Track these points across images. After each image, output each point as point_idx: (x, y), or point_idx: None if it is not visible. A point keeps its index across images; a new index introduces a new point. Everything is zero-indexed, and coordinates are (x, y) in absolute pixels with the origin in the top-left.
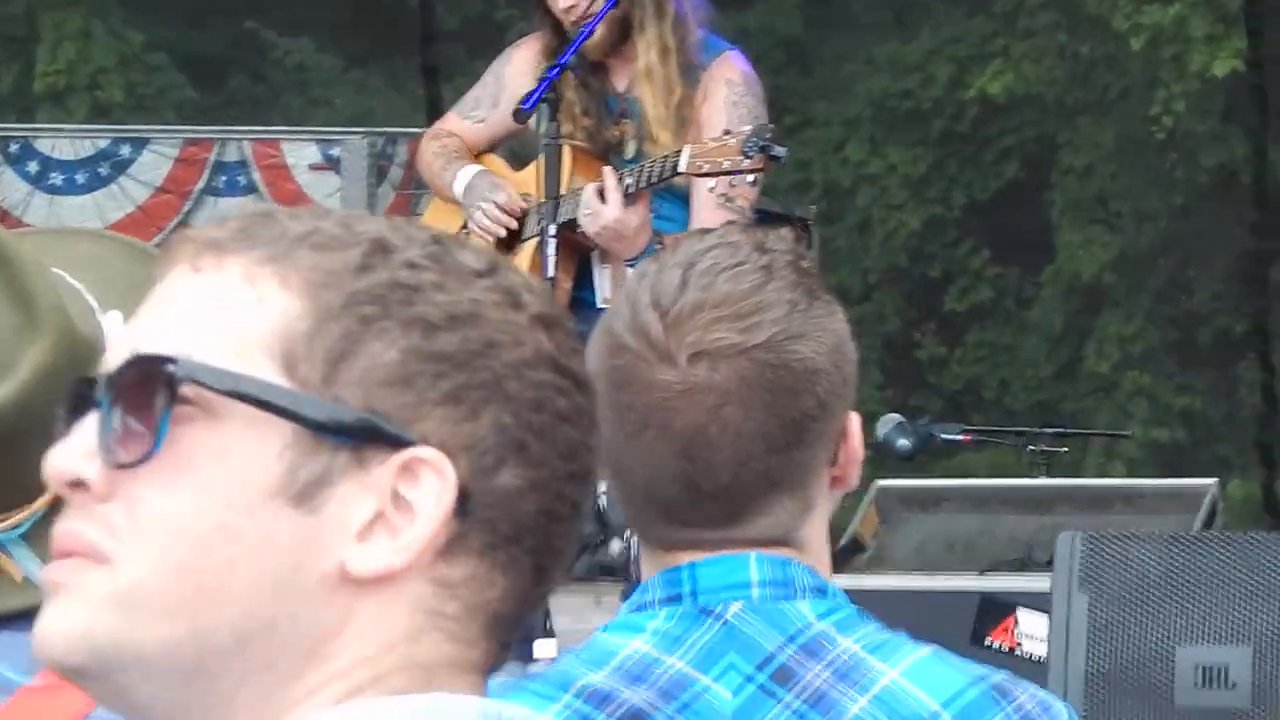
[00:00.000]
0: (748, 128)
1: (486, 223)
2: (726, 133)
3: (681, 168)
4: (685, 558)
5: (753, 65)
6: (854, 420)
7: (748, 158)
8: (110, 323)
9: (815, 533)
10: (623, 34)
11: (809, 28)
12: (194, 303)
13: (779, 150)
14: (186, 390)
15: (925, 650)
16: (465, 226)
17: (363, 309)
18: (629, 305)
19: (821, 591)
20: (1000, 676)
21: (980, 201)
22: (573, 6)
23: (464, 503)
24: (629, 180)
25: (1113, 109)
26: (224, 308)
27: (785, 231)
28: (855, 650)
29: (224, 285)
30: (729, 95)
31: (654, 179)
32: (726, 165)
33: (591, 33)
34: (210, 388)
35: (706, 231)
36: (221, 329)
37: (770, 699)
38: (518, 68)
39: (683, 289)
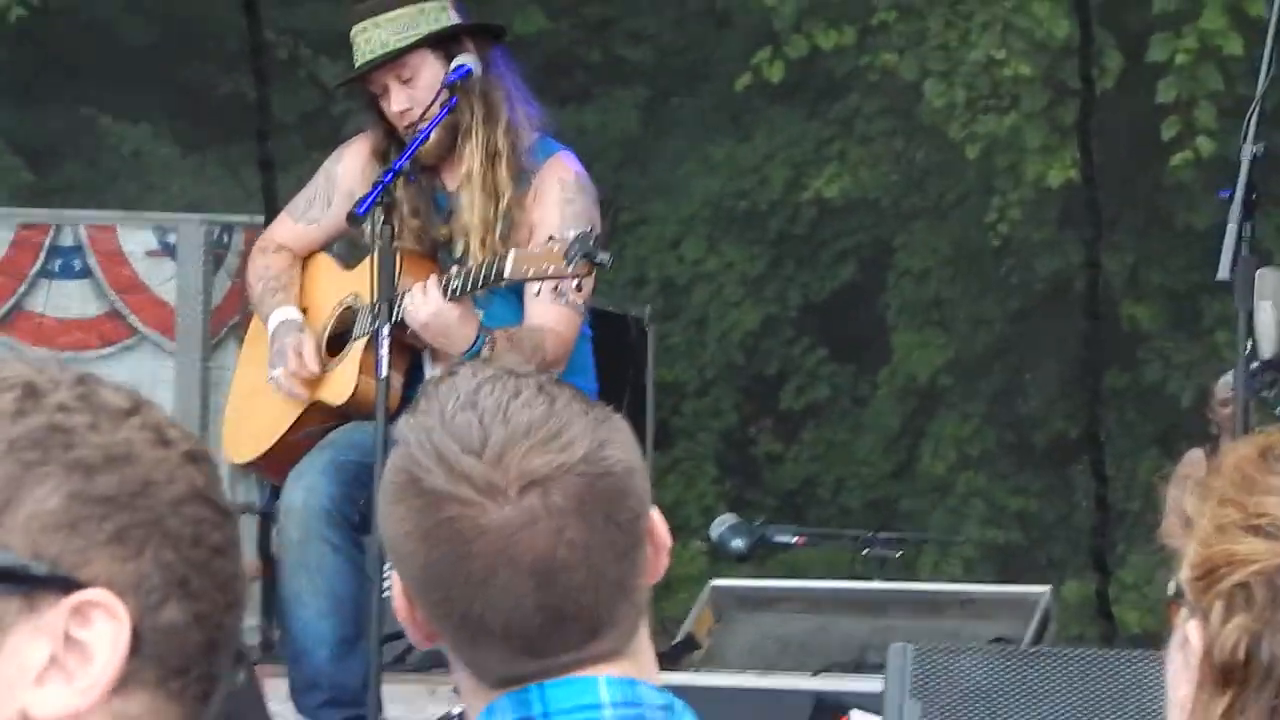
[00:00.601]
0: (572, 233)
1: (283, 389)
2: (551, 238)
3: (506, 273)
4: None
5: (589, 163)
6: (654, 512)
7: (570, 264)
8: None
9: (644, 636)
10: (454, 138)
11: (646, 127)
12: None
13: (602, 257)
14: None
15: None
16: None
17: (23, 455)
18: (436, 460)
19: (669, 709)
20: None
21: (816, 301)
22: (406, 111)
23: (136, 640)
24: (455, 283)
25: (949, 214)
26: None
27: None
28: None
29: None
30: (561, 194)
31: (479, 282)
32: (551, 270)
33: (426, 139)
34: None
35: (449, 374)
36: None
37: None
38: (350, 166)
39: (485, 429)
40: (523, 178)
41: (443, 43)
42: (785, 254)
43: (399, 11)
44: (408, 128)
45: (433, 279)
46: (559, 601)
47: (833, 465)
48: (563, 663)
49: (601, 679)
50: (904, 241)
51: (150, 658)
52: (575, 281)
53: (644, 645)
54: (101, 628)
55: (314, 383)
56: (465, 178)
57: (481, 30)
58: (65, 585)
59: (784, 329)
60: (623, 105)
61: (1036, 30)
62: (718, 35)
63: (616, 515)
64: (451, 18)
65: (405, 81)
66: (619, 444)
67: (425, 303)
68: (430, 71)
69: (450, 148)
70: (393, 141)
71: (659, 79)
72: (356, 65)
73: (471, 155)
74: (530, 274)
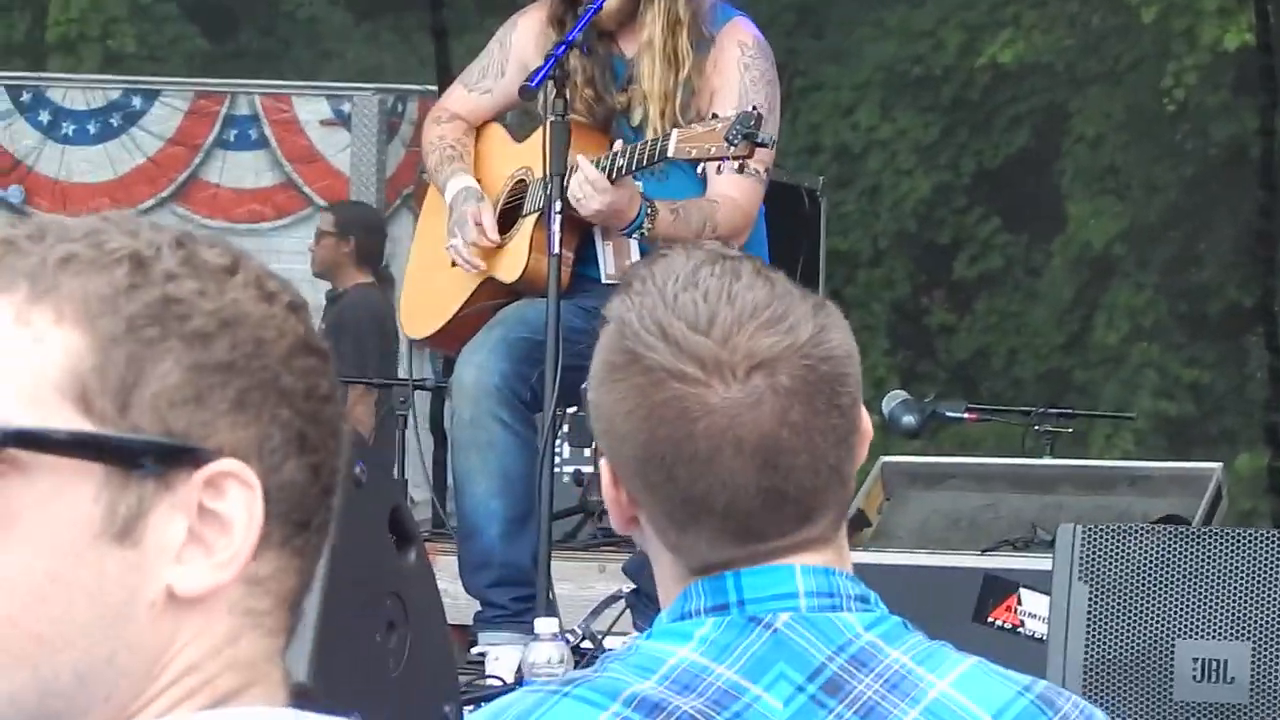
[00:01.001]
0: (733, 113)
1: (459, 260)
2: (715, 116)
3: (669, 153)
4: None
5: (762, 28)
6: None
7: (732, 145)
8: None
9: (843, 525)
10: (635, 4)
11: None
12: None
13: (763, 136)
14: None
15: (971, 661)
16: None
17: (143, 332)
18: (660, 336)
19: (865, 600)
20: (1043, 686)
21: (990, 169)
22: None
23: (265, 503)
24: (621, 161)
25: (1123, 80)
26: (4, 359)
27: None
28: (904, 661)
29: None
30: (741, 58)
31: (642, 163)
32: (713, 151)
33: (599, 8)
34: (12, 444)
35: (660, 255)
36: (7, 380)
37: (821, 709)
38: (524, 35)
39: (712, 308)
40: (701, 44)
41: None
42: (959, 121)
43: None
44: None
45: (587, 166)
46: (780, 483)
47: (1005, 336)
48: (771, 548)
49: (798, 567)
50: (1079, 107)
51: (277, 517)
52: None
53: (844, 534)
54: (235, 497)
55: (487, 258)
56: (646, 45)
57: None
58: (196, 458)
59: (957, 197)
60: None
61: None
62: None
63: (838, 399)
64: None
65: None
66: (838, 328)
67: (594, 194)
68: None
69: (630, 14)
70: (570, 7)
71: None
72: None
73: (653, 22)
74: (693, 154)
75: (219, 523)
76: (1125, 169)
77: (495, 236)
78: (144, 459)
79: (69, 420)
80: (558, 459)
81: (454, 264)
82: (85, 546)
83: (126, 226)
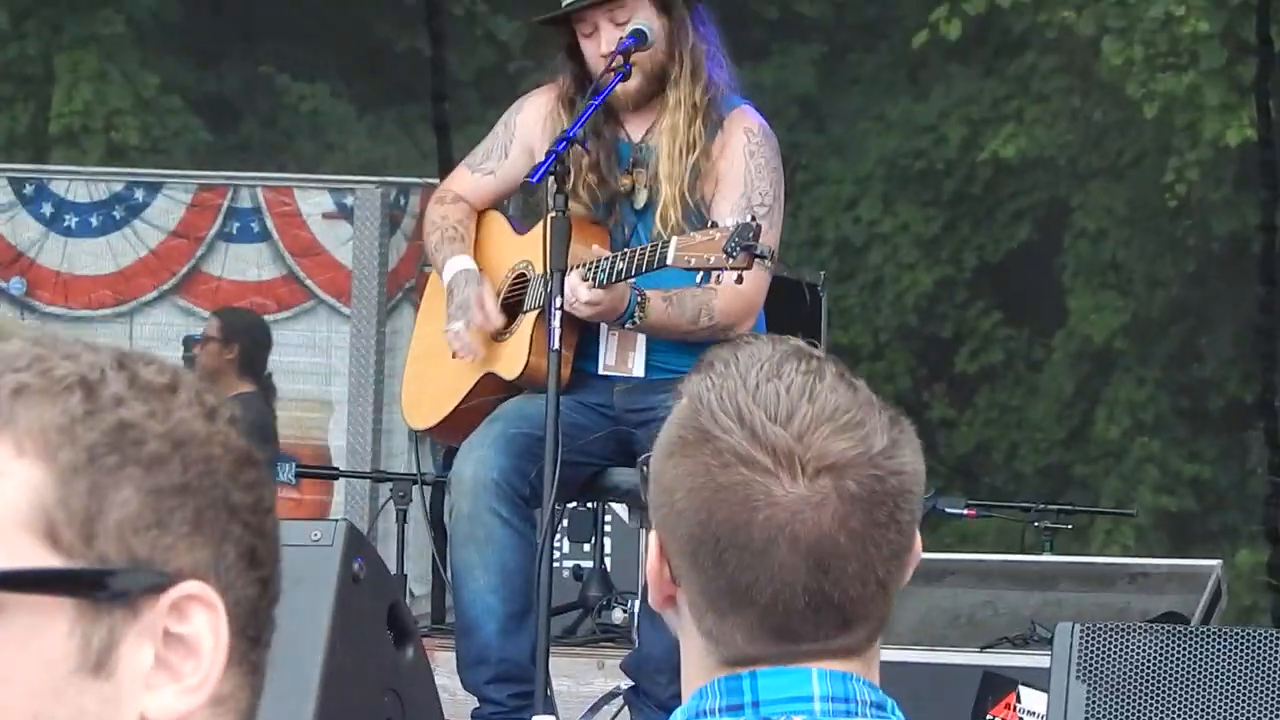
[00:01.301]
0: (732, 223)
1: (456, 345)
2: (714, 225)
3: (669, 261)
4: (745, 669)
5: (766, 116)
6: None
7: (731, 256)
8: None
9: (878, 639)
10: (654, 88)
11: (823, 84)
12: None
13: (763, 249)
14: None
15: None
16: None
17: (103, 460)
18: (738, 421)
19: (881, 708)
20: None
21: (992, 263)
22: (610, 55)
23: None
24: (620, 265)
25: (1125, 174)
26: None
27: (799, 340)
28: None
29: None
30: (746, 145)
31: (640, 269)
32: (712, 261)
33: (601, 104)
34: None
35: (745, 343)
36: None
37: None
38: (529, 117)
39: (792, 403)
40: (710, 128)
41: None
42: (961, 215)
43: None
44: (610, 71)
45: (574, 276)
46: (828, 587)
47: (1006, 430)
48: (805, 650)
49: (815, 671)
50: (1080, 201)
51: (235, 634)
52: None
53: (877, 647)
54: (200, 619)
55: (488, 353)
56: (667, 131)
57: None
58: (161, 584)
59: (959, 291)
60: (799, 62)
61: None
62: None
63: (899, 514)
64: None
65: (619, 24)
66: (910, 446)
67: (581, 306)
68: (645, 16)
69: (649, 98)
70: (581, 89)
71: (836, 35)
72: (565, 2)
73: (676, 109)
74: (692, 263)
75: (184, 646)
76: (1127, 264)
77: (498, 321)
78: (114, 589)
79: (39, 556)
80: (557, 554)
81: (455, 354)
82: (64, 683)
83: (65, 350)
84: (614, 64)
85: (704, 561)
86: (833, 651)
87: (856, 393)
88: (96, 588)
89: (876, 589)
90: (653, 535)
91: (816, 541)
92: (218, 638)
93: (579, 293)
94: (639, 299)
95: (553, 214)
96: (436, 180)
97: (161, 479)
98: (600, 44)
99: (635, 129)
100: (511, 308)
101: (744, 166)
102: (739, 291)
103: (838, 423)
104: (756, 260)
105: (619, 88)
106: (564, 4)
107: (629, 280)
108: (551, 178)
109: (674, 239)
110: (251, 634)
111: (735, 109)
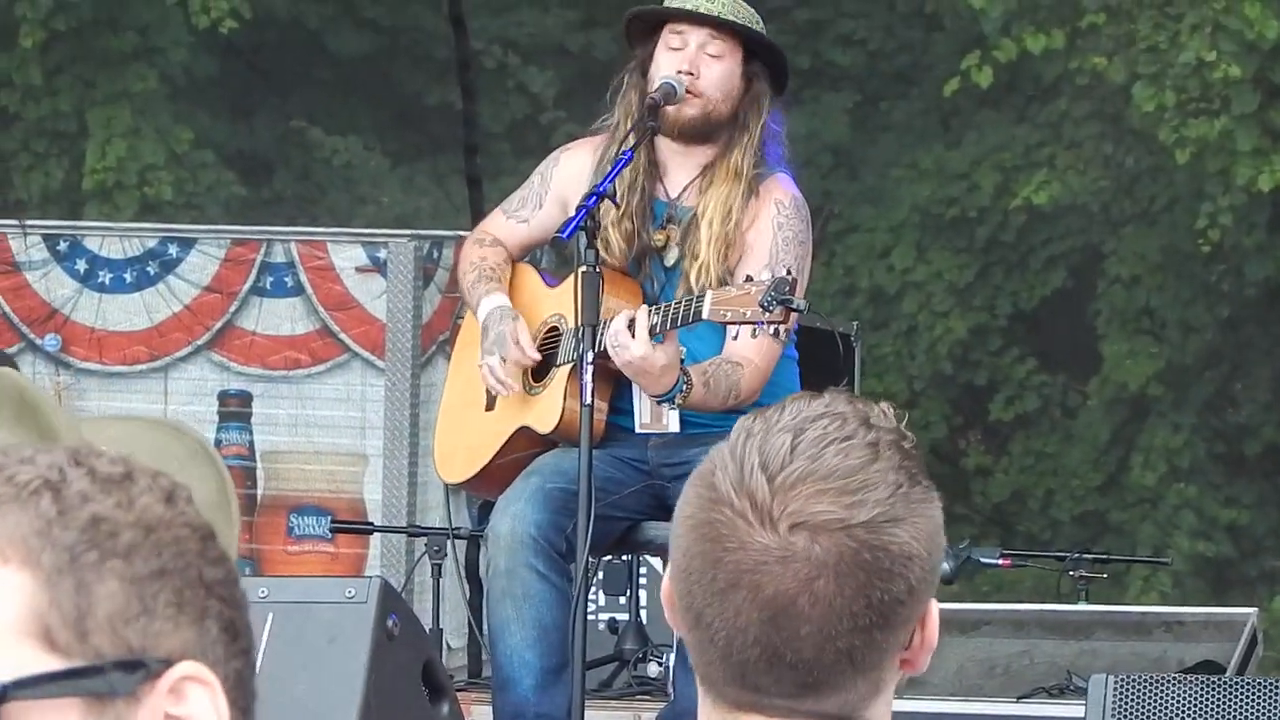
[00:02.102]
0: (767, 278)
1: (491, 381)
2: (749, 279)
3: (704, 315)
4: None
5: (798, 169)
6: (934, 607)
7: (767, 310)
8: None
9: (880, 714)
10: (703, 130)
11: (856, 132)
12: None
13: (798, 304)
14: None
15: None
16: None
17: (84, 559)
18: (735, 462)
19: None
20: None
21: (1025, 310)
22: (688, 76)
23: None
24: (654, 319)
25: (1158, 220)
26: None
27: (888, 407)
28: None
29: None
30: (776, 216)
31: (676, 322)
32: (748, 315)
33: (629, 162)
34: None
35: (815, 396)
36: None
37: None
38: (565, 171)
39: (791, 456)
40: (746, 197)
41: (753, 56)
42: (994, 262)
43: (740, 3)
44: (663, 97)
45: (641, 315)
46: (778, 643)
47: (1042, 477)
48: (778, 705)
49: None
50: (1113, 248)
51: (230, 706)
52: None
53: (880, 715)
54: (198, 697)
55: (522, 407)
56: (719, 201)
57: (781, 72)
58: (157, 669)
59: (993, 338)
60: (831, 110)
61: (1247, 31)
62: (926, 39)
63: (872, 590)
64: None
65: (710, 54)
66: (912, 526)
67: (635, 343)
68: (730, 64)
69: (692, 136)
70: (636, 116)
71: (868, 84)
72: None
73: (727, 178)
74: (728, 317)
75: None
76: (1160, 310)
77: (534, 354)
78: (114, 681)
79: (40, 661)
80: (592, 607)
81: (489, 392)
82: None
83: (19, 455)
84: (646, 123)
85: (681, 589)
86: (807, 714)
87: (873, 463)
88: (98, 683)
89: (838, 659)
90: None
91: (774, 596)
92: (219, 712)
93: (631, 349)
94: (686, 383)
95: (583, 268)
96: (469, 233)
97: (140, 567)
98: (682, 59)
99: (672, 185)
100: (544, 361)
101: (771, 239)
102: (758, 368)
103: (828, 485)
104: (792, 313)
105: (670, 110)
106: (684, 6)
107: (682, 352)
108: (582, 233)
109: (709, 293)
110: (243, 704)
111: (770, 177)
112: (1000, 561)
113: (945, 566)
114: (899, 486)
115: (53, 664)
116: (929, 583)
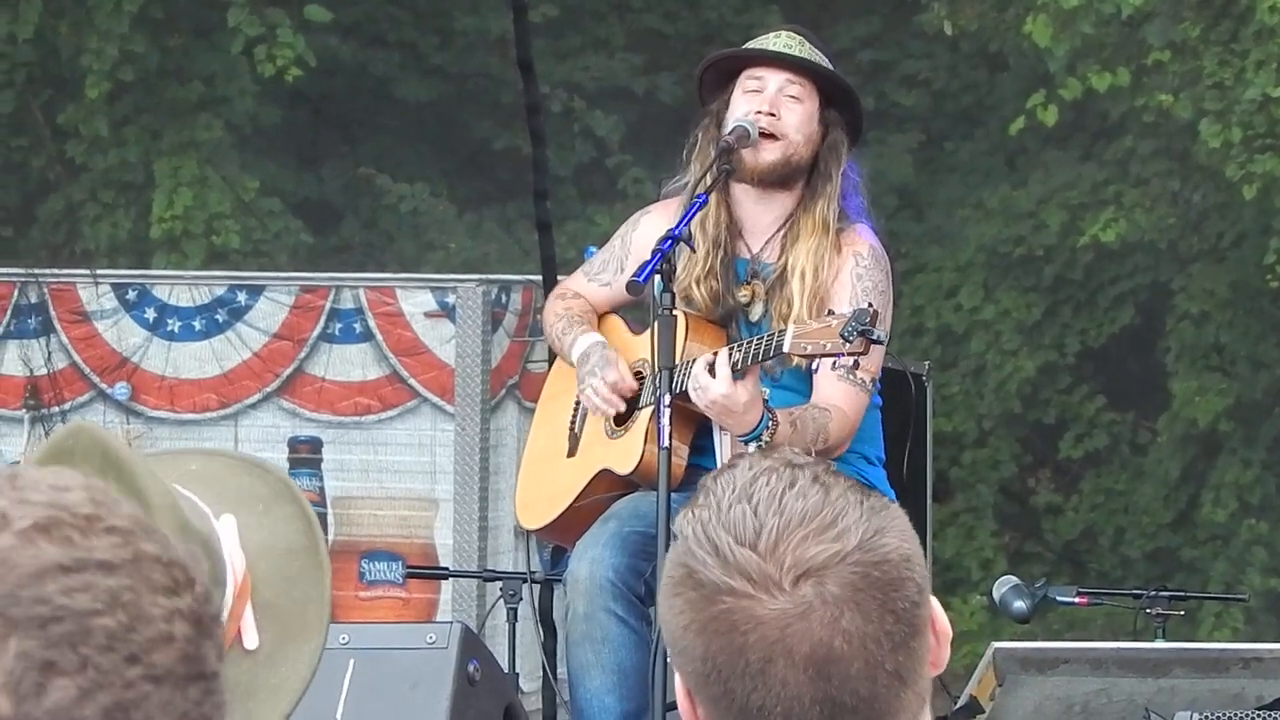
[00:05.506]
0: (849, 310)
1: (596, 401)
2: (830, 312)
3: (785, 348)
4: None
5: (879, 216)
6: (933, 600)
7: (847, 342)
8: (224, 526)
9: None
10: (783, 177)
11: (921, 173)
12: None
13: (878, 334)
14: None
15: None
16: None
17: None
18: (711, 552)
19: None
20: None
21: (1094, 348)
22: (766, 116)
23: None
24: (736, 356)
25: (1226, 256)
26: None
27: (783, 443)
28: None
29: None
30: (855, 268)
31: (759, 357)
32: (829, 347)
33: (704, 204)
34: None
35: (727, 468)
36: None
37: None
38: (645, 234)
39: (759, 520)
40: (829, 248)
41: (830, 103)
42: (1062, 300)
43: (819, 52)
44: (737, 139)
45: (722, 355)
46: (836, 693)
47: (1112, 515)
48: None
49: None
50: (1182, 285)
51: None
52: (857, 359)
53: None
54: None
55: (602, 450)
56: (809, 254)
57: (857, 120)
58: None
59: (1062, 376)
60: (897, 151)
61: None
62: (991, 79)
63: (893, 604)
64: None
65: (790, 96)
66: (895, 531)
67: (715, 382)
68: (809, 108)
69: (772, 181)
70: (711, 164)
71: (933, 124)
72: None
73: (814, 231)
74: (808, 350)
75: None
76: (1230, 346)
77: (633, 382)
78: None
79: None
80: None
81: (572, 438)
82: None
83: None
84: (721, 165)
85: (715, 693)
86: None
87: (828, 492)
88: None
89: (890, 681)
90: (679, 677)
91: (811, 651)
92: None
93: (712, 389)
94: (771, 421)
95: (660, 312)
96: (538, 277)
97: (125, 669)
98: (762, 99)
99: (753, 241)
100: (628, 405)
101: (850, 290)
102: (845, 415)
103: (808, 528)
104: (872, 349)
105: (748, 155)
106: (763, 48)
107: (765, 393)
108: (658, 276)
109: (791, 326)
110: None
111: (850, 229)
112: (1077, 600)
113: (1022, 605)
114: (861, 503)
115: None
116: (926, 578)
